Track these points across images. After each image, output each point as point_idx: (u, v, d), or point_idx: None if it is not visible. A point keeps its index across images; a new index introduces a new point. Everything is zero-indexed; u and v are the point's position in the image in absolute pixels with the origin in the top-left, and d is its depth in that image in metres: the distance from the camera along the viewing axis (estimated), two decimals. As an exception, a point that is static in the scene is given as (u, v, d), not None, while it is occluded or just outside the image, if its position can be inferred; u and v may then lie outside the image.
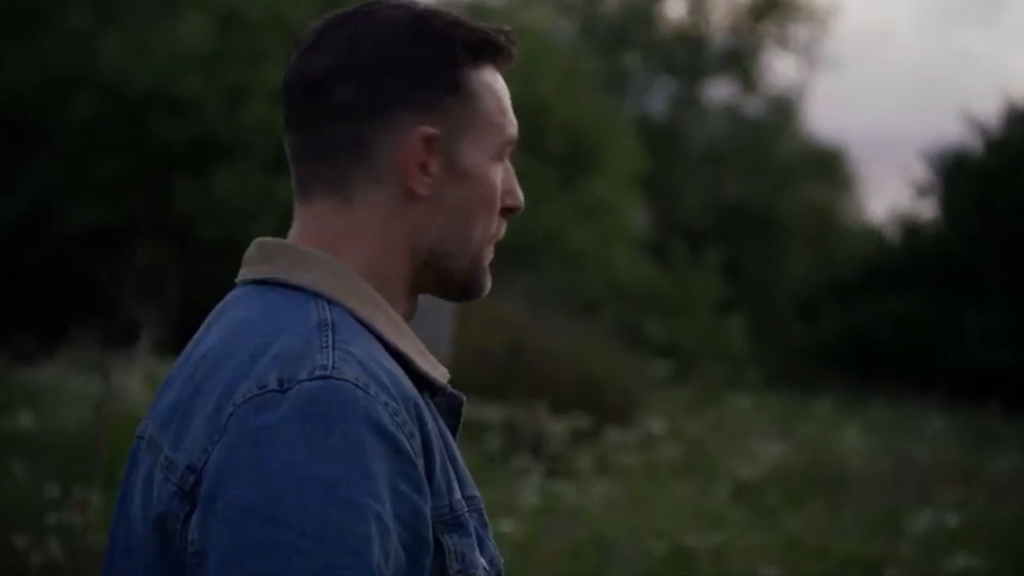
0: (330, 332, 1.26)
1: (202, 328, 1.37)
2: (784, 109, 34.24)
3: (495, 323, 10.21)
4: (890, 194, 61.49)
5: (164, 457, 1.26)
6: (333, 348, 1.24)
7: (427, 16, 1.36)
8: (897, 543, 6.15)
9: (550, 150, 18.29)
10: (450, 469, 1.33)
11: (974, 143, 33.94)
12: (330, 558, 1.14)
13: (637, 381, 11.31)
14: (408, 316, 1.39)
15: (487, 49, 1.38)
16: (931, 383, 21.31)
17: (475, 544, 1.34)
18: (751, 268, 31.75)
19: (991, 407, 18.80)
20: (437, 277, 1.39)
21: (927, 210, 35.38)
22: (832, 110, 54.17)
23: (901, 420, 15.46)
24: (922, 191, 35.88)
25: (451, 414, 1.40)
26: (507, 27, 1.41)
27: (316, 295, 1.30)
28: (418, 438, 1.25)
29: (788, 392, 19.84)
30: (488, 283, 1.44)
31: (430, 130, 1.34)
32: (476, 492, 1.39)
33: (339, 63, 1.33)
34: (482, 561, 1.35)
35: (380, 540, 1.17)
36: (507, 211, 1.42)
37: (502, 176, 1.41)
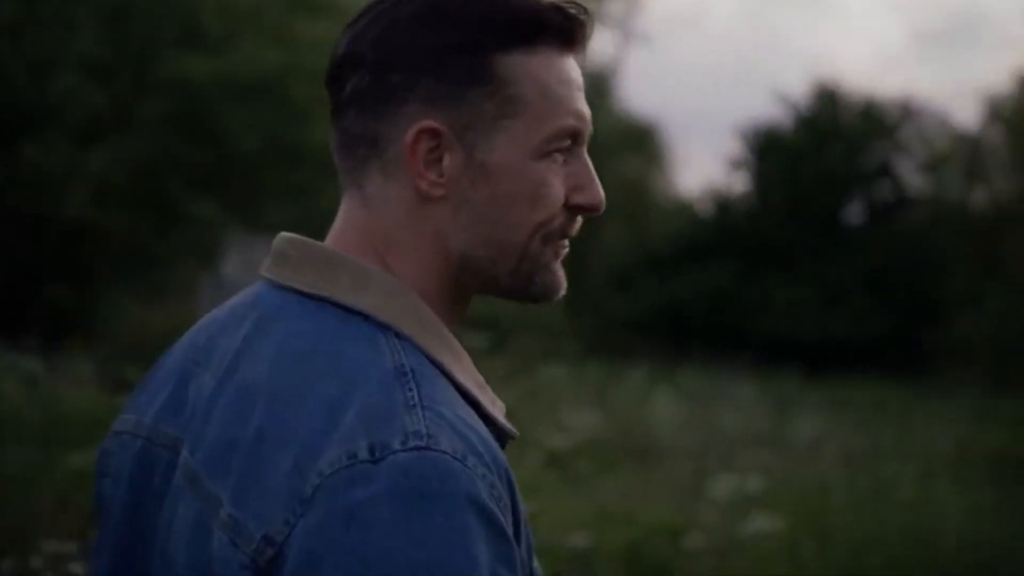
0: (413, 384, 1.14)
1: (224, 325, 1.27)
2: (599, 84, 34.61)
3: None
4: (703, 170, 62.73)
5: (227, 514, 1.12)
6: (422, 408, 1.12)
7: None
8: (700, 508, 6.33)
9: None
10: (524, 533, 1.20)
11: (785, 120, 34.93)
12: None
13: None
14: (457, 329, 1.27)
15: (527, 30, 1.21)
16: (740, 353, 21.96)
17: None
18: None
19: (794, 375, 19.46)
20: (485, 283, 1.27)
21: (739, 185, 36.28)
22: (647, 87, 55.16)
23: (711, 388, 15.89)
24: (734, 167, 36.75)
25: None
26: (572, 4, 1.24)
27: (383, 326, 1.20)
28: (509, 508, 1.14)
29: (604, 363, 20.17)
30: (559, 283, 1.30)
31: (433, 124, 1.21)
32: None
33: (353, 50, 1.23)
34: None
35: None
36: (578, 209, 1.29)
37: (563, 171, 1.26)
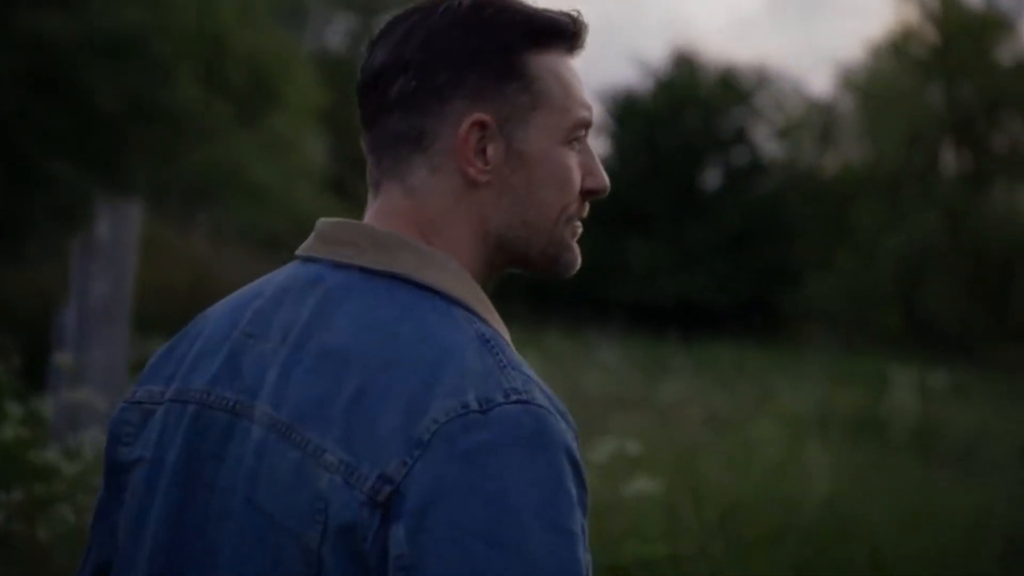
0: (497, 349, 1.28)
1: (279, 301, 1.36)
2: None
3: (178, 260, 9.98)
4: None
5: (336, 459, 1.22)
6: (512, 369, 1.25)
7: (482, 5, 1.36)
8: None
9: (230, 83, 17.89)
10: None
11: (644, 86, 35.29)
12: None
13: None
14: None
15: (548, 34, 1.38)
16: (602, 317, 22.24)
17: None
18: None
19: (655, 338, 19.77)
20: (513, 260, 1.41)
21: (600, 149, 36.60)
22: (508, 49, 55.07)
23: (575, 352, 16.05)
24: (595, 130, 37.06)
25: None
26: (576, 11, 1.41)
27: (453, 301, 1.32)
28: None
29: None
30: (577, 260, 1.45)
31: (483, 116, 1.34)
32: None
33: (394, 57, 1.36)
34: None
35: (587, 568, 1.21)
36: (589, 192, 1.43)
37: (578, 158, 1.41)
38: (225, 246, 11.34)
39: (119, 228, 6.48)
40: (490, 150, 1.35)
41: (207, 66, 16.97)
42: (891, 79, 37.17)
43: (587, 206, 1.45)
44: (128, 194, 7.27)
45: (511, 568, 1.15)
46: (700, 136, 33.98)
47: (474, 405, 1.20)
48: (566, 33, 1.40)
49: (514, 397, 1.21)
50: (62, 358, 5.78)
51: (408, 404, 1.21)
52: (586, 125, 1.41)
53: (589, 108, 1.42)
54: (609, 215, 32.70)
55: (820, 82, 69.71)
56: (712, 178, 35.07)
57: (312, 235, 1.43)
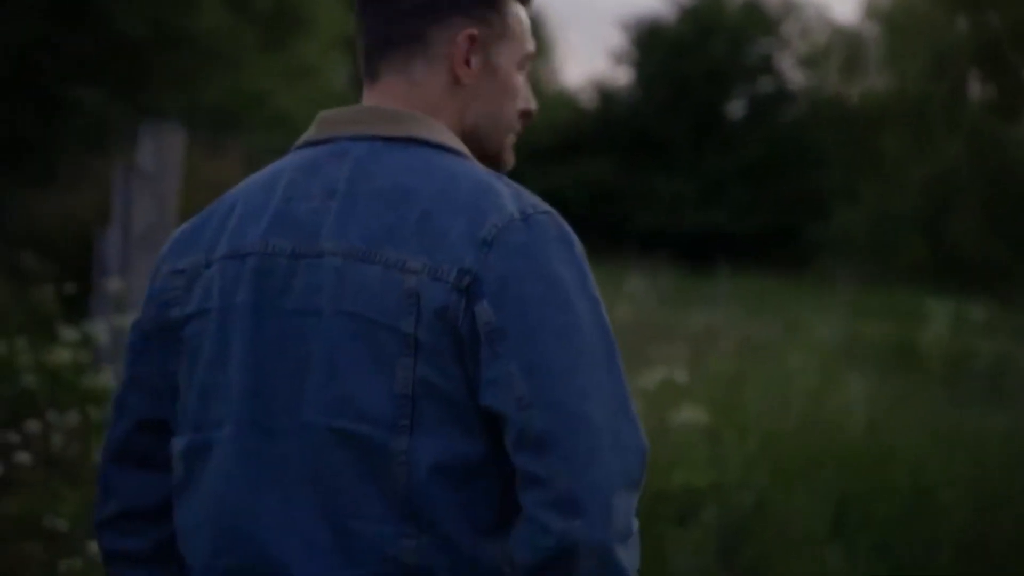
0: (508, 180, 1.66)
1: (311, 171, 1.67)
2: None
3: (210, 185, 9.96)
4: (587, 63, 62.65)
5: (420, 264, 1.57)
6: (526, 192, 1.65)
7: None
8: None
9: (255, 8, 17.79)
10: None
11: (668, 13, 34.99)
12: (602, 331, 1.58)
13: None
14: None
15: None
16: (622, 245, 22.21)
17: None
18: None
19: (678, 267, 19.73)
20: (475, 150, 1.74)
21: (622, 78, 36.40)
22: (529, -24, 54.58)
23: (603, 280, 16.02)
24: (617, 60, 36.83)
25: None
26: None
27: (461, 154, 1.70)
28: None
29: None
30: (511, 159, 1.82)
31: (474, 32, 1.71)
32: None
33: None
34: None
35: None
36: (525, 114, 1.80)
37: (523, 84, 1.79)
38: (254, 171, 11.31)
39: (162, 154, 6.48)
40: (473, 60, 1.72)
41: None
42: (917, 7, 36.79)
43: (521, 124, 1.81)
44: (161, 120, 7.25)
45: (565, 322, 1.55)
46: (725, 64, 33.71)
47: (517, 215, 1.59)
48: None
49: (542, 209, 1.62)
50: (114, 284, 5.81)
51: (468, 218, 1.58)
52: (531, 58, 1.80)
53: (534, 45, 1.81)
54: (632, 144, 32.58)
55: (846, 9, 68.99)
56: (736, 107, 34.84)
57: (314, 124, 1.74)
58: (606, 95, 35.69)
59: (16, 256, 9.21)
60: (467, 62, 1.71)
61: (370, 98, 1.72)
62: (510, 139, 1.79)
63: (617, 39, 35.21)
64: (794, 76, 36.03)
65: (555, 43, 38.33)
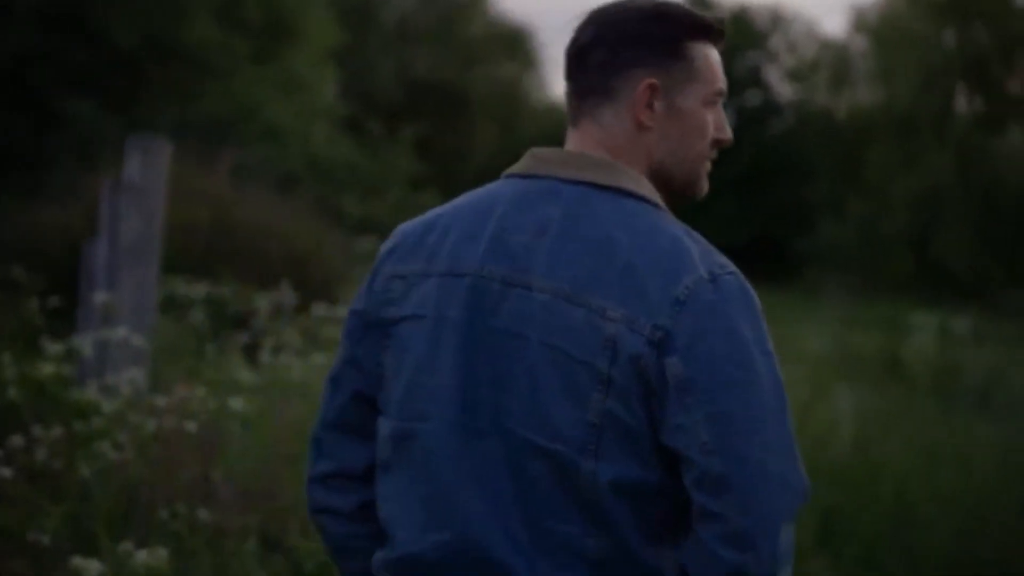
0: (698, 238, 1.88)
1: (522, 206, 1.91)
2: (473, -12, 34.34)
3: (200, 198, 9.97)
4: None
5: (619, 314, 1.81)
6: (714, 251, 1.87)
7: (663, 7, 1.97)
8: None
9: (247, 20, 17.81)
10: None
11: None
12: (776, 386, 1.81)
13: (339, 257, 11.30)
14: None
15: (703, 30, 1.97)
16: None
17: None
18: (442, 144, 31.99)
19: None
20: (662, 183, 1.96)
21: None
22: (518, -11, 54.67)
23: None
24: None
25: None
26: (723, 18, 2.00)
27: (659, 207, 1.92)
28: None
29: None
30: (706, 187, 2.02)
31: (654, 81, 1.92)
32: None
33: (599, 36, 1.96)
34: None
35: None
36: (717, 142, 2.00)
37: (713, 117, 1.98)
38: (244, 184, 11.32)
39: (149, 168, 6.48)
40: (656, 105, 1.93)
41: (224, 3, 16.88)
42: (905, 21, 36.90)
43: (715, 152, 2.00)
44: (150, 133, 7.27)
45: (746, 378, 1.79)
46: (713, 77, 33.74)
47: (707, 276, 1.81)
48: (715, 32, 1.99)
49: (728, 270, 1.84)
50: (100, 297, 5.81)
51: (664, 276, 1.81)
52: (721, 94, 1.98)
53: (724, 82, 1.99)
54: (620, 156, 32.66)
55: (834, 23, 69.16)
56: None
57: (526, 158, 1.97)
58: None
59: (4, 268, 9.20)
60: (650, 107, 1.93)
61: (572, 142, 1.98)
62: (704, 168, 2.00)
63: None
64: (782, 89, 36.15)
65: (545, 56, 38.33)
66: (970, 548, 6.07)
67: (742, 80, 34.78)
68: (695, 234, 1.89)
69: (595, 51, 1.96)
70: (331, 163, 19.10)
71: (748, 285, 1.85)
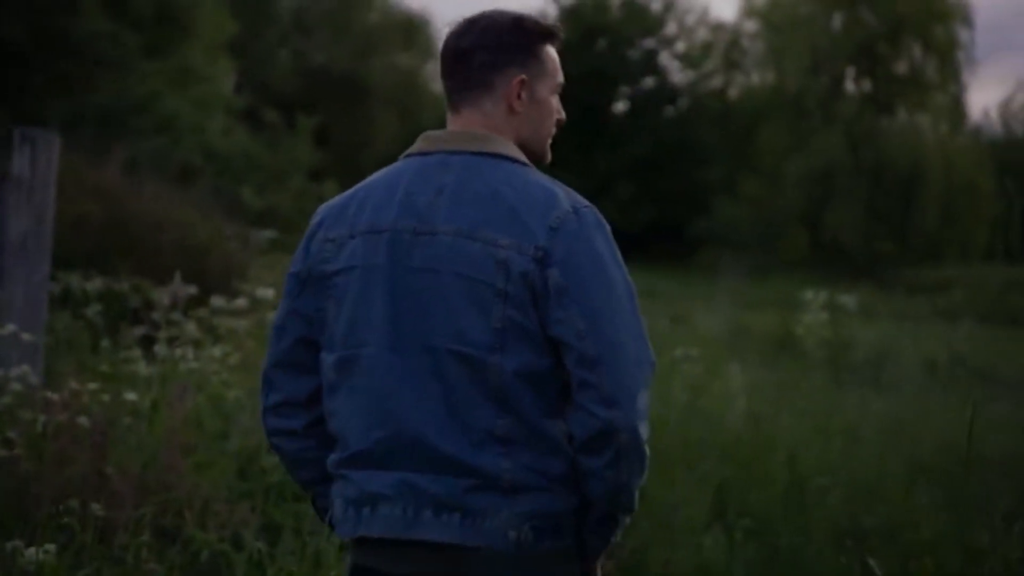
0: (560, 184, 2.44)
1: (422, 175, 2.46)
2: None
3: (92, 192, 9.84)
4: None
5: (508, 242, 2.37)
6: (574, 192, 2.44)
7: (522, 19, 2.53)
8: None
9: (137, 13, 17.58)
10: None
11: (552, 14, 35.16)
12: (627, 287, 2.40)
13: (238, 248, 11.20)
14: None
15: (551, 36, 2.56)
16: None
17: None
18: (340, 134, 31.82)
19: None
20: (525, 152, 2.51)
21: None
22: (414, -23, 54.43)
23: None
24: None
25: None
26: (558, 24, 2.60)
27: (525, 164, 2.48)
28: None
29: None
30: (549, 155, 2.58)
31: (524, 77, 2.51)
32: None
33: (478, 42, 2.51)
34: None
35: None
36: (558, 122, 2.58)
37: (555, 103, 2.56)
38: (138, 177, 11.18)
39: (38, 162, 6.39)
40: (524, 95, 2.51)
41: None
42: (793, 5, 37.44)
43: (555, 129, 2.60)
44: (40, 127, 7.17)
45: (605, 281, 2.36)
46: (608, 64, 33.94)
47: (571, 209, 2.39)
48: (557, 36, 2.58)
49: (586, 204, 2.42)
50: (-10, 294, 5.73)
51: (541, 213, 2.38)
52: (561, 85, 2.56)
53: (562, 76, 2.57)
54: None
55: (727, 8, 69.74)
56: (620, 104, 35.10)
57: (420, 140, 2.51)
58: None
59: None
60: (519, 97, 2.50)
61: (455, 124, 2.52)
62: (548, 142, 2.59)
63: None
64: (676, 75, 36.45)
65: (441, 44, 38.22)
66: (859, 517, 6.23)
67: (638, 66, 35.00)
68: (559, 183, 2.45)
69: (477, 53, 2.51)
70: (229, 154, 18.94)
71: (601, 216, 2.43)
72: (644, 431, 2.37)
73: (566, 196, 2.41)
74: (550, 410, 2.40)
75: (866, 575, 4.64)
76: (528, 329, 2.37)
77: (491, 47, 2.50)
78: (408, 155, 2.52)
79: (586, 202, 2.43)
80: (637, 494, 2.45)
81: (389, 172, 2.53)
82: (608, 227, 2.43)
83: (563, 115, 2.58)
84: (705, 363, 8.60)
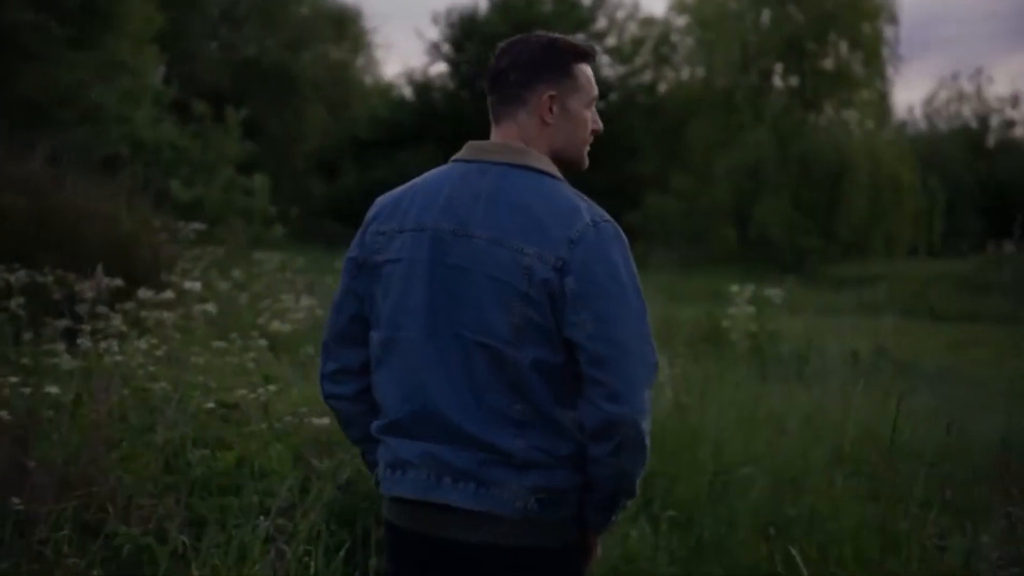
0: (585, 197, 2.73)
1: (463, 182, 2.77)
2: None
3: (16, 183, 9.73)
4: (406, 56, 62.63)
5: (533, 251, 2.67)
6: (596, 206, 2.72)
7: (556, 41, 2.86)
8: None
9: (62, 4, 17.35)
10: None
11: (483, 6, 35.17)
12: (638, 295, 2.66)
13: (166, 240, 11.12)
14: None
15: (584, 55, 2.86)
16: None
17: None
18: (270, 126, 31.61)
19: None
20: (557, 161, 2.83)
21: (439, 71, 36.45)
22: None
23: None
24: (434, 52, 36.90)
25: None
26: (594, 44, 2.91)
27: (558, 179, 2.78)
28: None
29: (313, 249, 20.15)
30: (586, 162, 2.89)
31: (553, 93, 2.82)
32: None
33: (513, 63, 2.84)
34: None
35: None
36: (593, 132, 2.88)
37: (590, 115, 2.88)
38: (64, 169, 11.05)
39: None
40: (555, 109, 2.82)
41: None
42: (723, 1, 37.71)
43: (591, 138, 2.89)
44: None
45: (618, 290, 2.64)
46: (540, 57, 33.90)
47: (591, 223, 2.67)
48: (591, 55, 2.89)
49: (606, 219, 2.70)
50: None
51: (563, 225, 2.67)
52: (595, 99, 2.89)
53: (596, 90, 2.90)
54: (451, 136, 32.66)
55: (657, 4, 69.96)
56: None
57: (465, 148, 2.83)
58: (421, 88, 35.73)
59: None
60: (550, 110, 2.82)
61: (496, 136, 2.85)
62: (585, 150, 2.88)
63: (433, 33, 35.15)
64: (607, 69, 36.58)
65: (374, 38, 38.11)
66: (783, 507, 6.31)
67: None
68: (584, 197, 2.75)
69: (512, 73, 2.84)
70: (156, 146, 18.75)
71: (620, 230, 2.71)
72: (646, 425, 2.66)
73: (588, 210, 2.70)
74: (561, 399, 2.70)
75: (788, 564, 4.71)
76: (545, 328, 2.67)
77: (523, 67, 2.83)
78: (455, 160, 2.84)
79: (607, 216, 2.71)
80: (638, 481, 2.74)
81: (437, 174, 2.85)
82: (625, 240, 2.71)
83: (599, 125, 2.89)
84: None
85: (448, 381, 2.72)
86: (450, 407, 2.72)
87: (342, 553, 4.41)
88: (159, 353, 6.37)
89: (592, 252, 2.64)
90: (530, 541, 2.74)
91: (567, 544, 2.79)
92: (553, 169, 2.78)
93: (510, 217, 2.70)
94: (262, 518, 4.29)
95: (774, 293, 11.98)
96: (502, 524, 2.72)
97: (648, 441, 2.68)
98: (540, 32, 2.91)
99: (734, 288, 11.71)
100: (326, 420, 5.29)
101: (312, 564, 4.24)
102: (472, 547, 2.74)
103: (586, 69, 2.87)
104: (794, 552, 4.53)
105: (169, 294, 7.89)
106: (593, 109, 2.89)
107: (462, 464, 2.72)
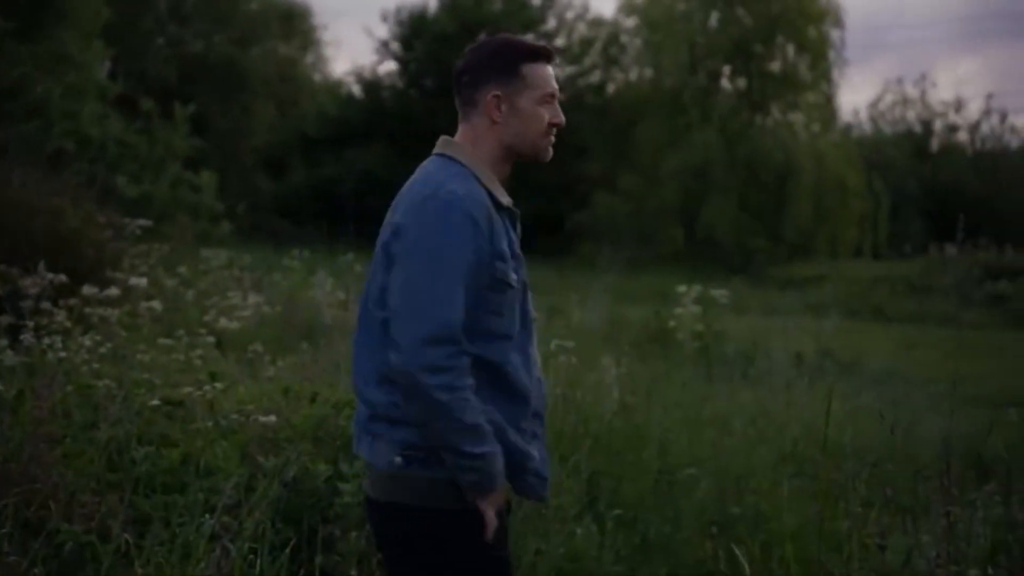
0: (450, 176, 2.93)
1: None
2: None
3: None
4: (355, 54, 62.42)
5: (389, 219, 2.97)
6: (444, 182, 2.90)
7: (506, 42, 3.10)
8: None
9: (7, -3, 17.16)
10: (503, 240, 3.02)
11: (433, 5, 35.14)
12: (445, 256, 2.85)
13: (111, 237, 11.02)
14: (504, 175, 3.13)
15: (535, 55, 3.07)
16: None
17: (503, 287, 3.04)
18: (218, 122, 31.41)
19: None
20: (515, 154, 3.10)
21: (388, 68, 36.37)
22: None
23: (368, 270, 15.96)
24: (383, 51, 36.81)
25: (512, 222, 3.12)
26: (551, 44, 2.67)
27: (453, 159, 3.02)
28: (488, 221, 2.94)
29: (261, 246, 20.06)
30: (549, 154, 3.14)
31: (498, 92, 3.05)
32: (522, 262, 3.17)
33: (464, 66, 3.09)
34: (512, 275, 3.08)
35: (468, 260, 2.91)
36: (552, 125, 3.10)
37: (548, 110, 3.08)
38: (7, 163, 10.93)
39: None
40: (503, 107, 3.06)
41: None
42: (671, 3, 37.88)
43: (553, 133, 3.12)
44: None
45: (424, 248, 2.87)
46: (489, 56, 33.93)
47: (430, 194, 2.91)
48: (543, 54, 3.09)
49: (447, 190, 2.90)
50: None
51: (411, 196, 2.95)
52: (552, 95, 3.10)
53: (554, 87, 3.10)
54: (400, 134, 32.63)
55: (606, 5, 70.07)
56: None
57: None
58: (370, 86, 35.64)
59: None
60: (497, 109, 3.05)
61: (457, 132, 3.10)
62: (544, 143, 3.11)
63: (383, 30, 35.05)
64: (557, 68, 36.67)
65: (322, 35, 37.97)
66: (727, 506, 6.35)
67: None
68: (454, 177, 2.95)
69: (464, 75, 3.08)
70: (103, 141, 18.59)
71: (459, 202, 2.88)
72: (428, 380, 2.80)
73: (438, 184, 2.92)
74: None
75: (732, 562, 4.75)
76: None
77: (472, 70, 3.07)
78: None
79: (455, 190, 2.91)
80: (459, 441, 2.84)
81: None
82: (461, 210, 2.87)
83: (560, 119, 3.10)
84: (580, 355, 8.68)
85: (361, 359, 3.05)
86: (359, 377, 3.04)
87: (287, 551, 4.40)
88: (103, 350, 6.32)
89: (417, 217, 2.87)
90: (396, 497, 2.93)
91: (444, 507, 2.92)
92: (463, 157, 3.04)
93: (402, 193, 3.02)
94: (207, 516, 4.27)
95: (720, 293, 12.06)
96: (383, 477, 2.95)
97: (443, 399, 2.81)
98: (501, 35, 3.14)
99: (681, 288, 11.78)
100: (272, 418, 5.28)
101: (257, 562, 4.23)
102: (371, 503, 3.03)
103: (539, 68, 3.06)
104: (738, 551, 4.58)
105: (114, 291, 7.83)
106: (554, 104, 3.08)
107: (361, 418, 3.04)
